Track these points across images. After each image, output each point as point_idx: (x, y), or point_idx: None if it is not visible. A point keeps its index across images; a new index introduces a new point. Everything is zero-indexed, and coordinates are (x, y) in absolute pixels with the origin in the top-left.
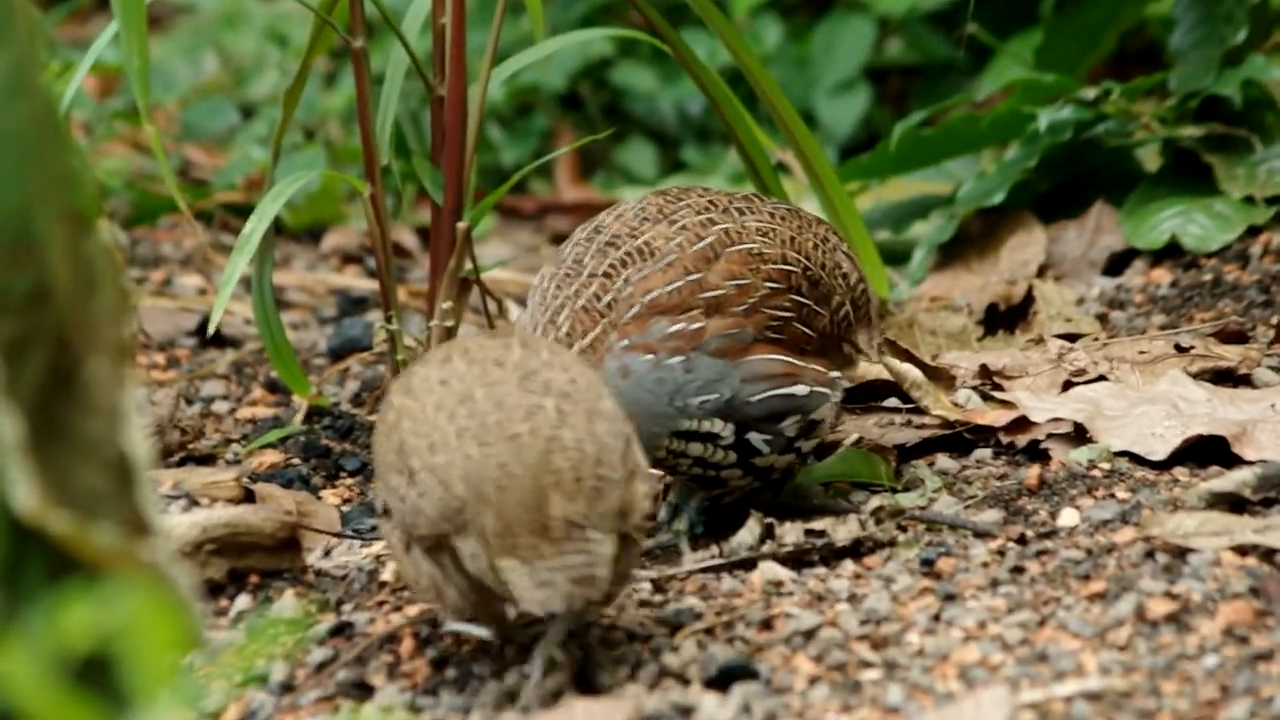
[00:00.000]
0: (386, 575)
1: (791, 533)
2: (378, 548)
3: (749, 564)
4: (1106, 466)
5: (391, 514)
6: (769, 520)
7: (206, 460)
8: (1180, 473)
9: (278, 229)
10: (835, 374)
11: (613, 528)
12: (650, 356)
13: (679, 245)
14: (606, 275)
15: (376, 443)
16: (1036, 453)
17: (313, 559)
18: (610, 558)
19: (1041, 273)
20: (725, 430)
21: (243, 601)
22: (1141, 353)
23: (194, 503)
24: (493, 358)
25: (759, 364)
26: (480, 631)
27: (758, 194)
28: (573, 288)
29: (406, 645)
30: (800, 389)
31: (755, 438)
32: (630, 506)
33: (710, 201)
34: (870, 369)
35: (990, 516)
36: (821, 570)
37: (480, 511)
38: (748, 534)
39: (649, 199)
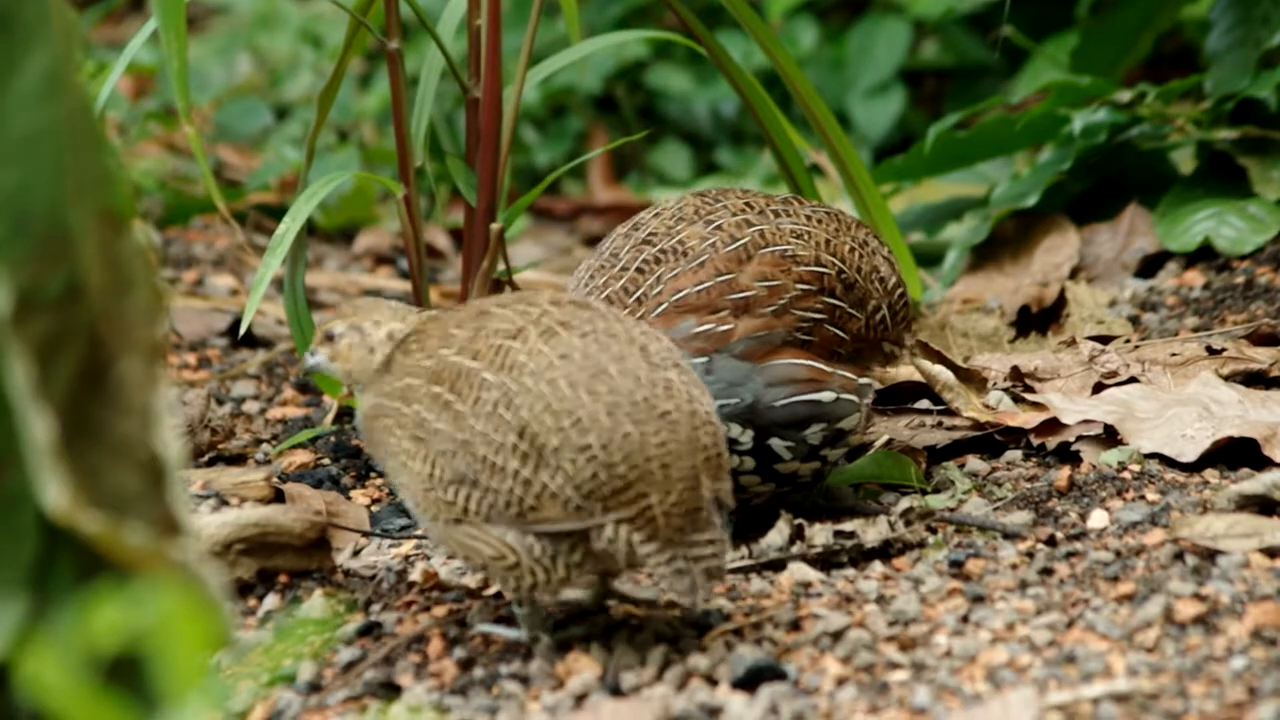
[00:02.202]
0: (415, 575)
1: (821, 534)
2: (407, 548)
3: (778, 565)
4: (1136, 468)
5: (470, 490)
6: (798, 521)
7: (237, 460)
8: (1210, 475)
9: (311, 230)
10: (865, 380)
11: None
12: None
13: (713, 246)
14: (640, 270)
15: (457, 422)
16: (1067, 454)
17: (342, 559)
18: (728, 546)
19: (1074, 275)
20: (744, 436)
21: (271, 601)
22: (1173, 355)
23: (224, 502)
24: (599, 329)
25: (783, 368)
26: (509, 633)
27: (799, 197)
28: (604, 278)
29: (434, 645)
30: (826, 395)
31: (777, 444)
32: None
33: (747, 203)
34: (902, 371)
35: (1020, 518)
36: (850, 571)
37: (647, 492)
38: (777, 535)
39: (688, 199)
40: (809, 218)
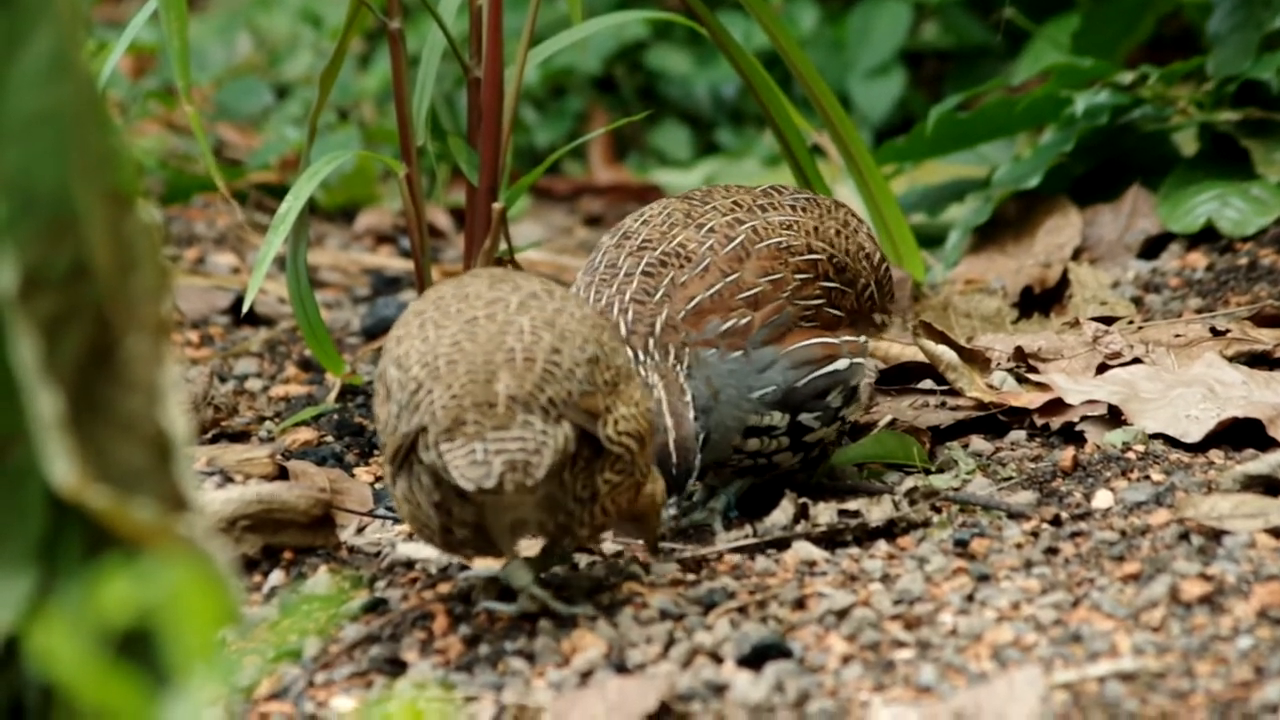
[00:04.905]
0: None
1: (825, 513)
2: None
3: (783, 544)
4: (1141, 449)
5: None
6: (803, 500)
7: (240, 437)
8: (1215, 455)
9: (312, 209)
10: (863, 339)
11: (570, 420)
12: (714, 350)
13: (710, 249)
14: (646, 274)
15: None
16: (1071, 435)
17: (346, 536)
18: (555, 449)
19: (1077, 256)
20: (782, 420)
21: (276, 578)
22: (1177, 336)
23: (228, 479)
24: (482, 274)
25: (802, 350)
26: (510, 608)
27: (778, 186)
28: (614, 287)
29: (439, 622)
30: (841, 364)
31: (806, 417)
32: (598, 410)
33: (735, 202)
34: (905, 351)
35: (1024, 498)
36: (855, 550)
37: (431, 388)
38: (782, 514)
39: (673, 204)
40: (793, 207)
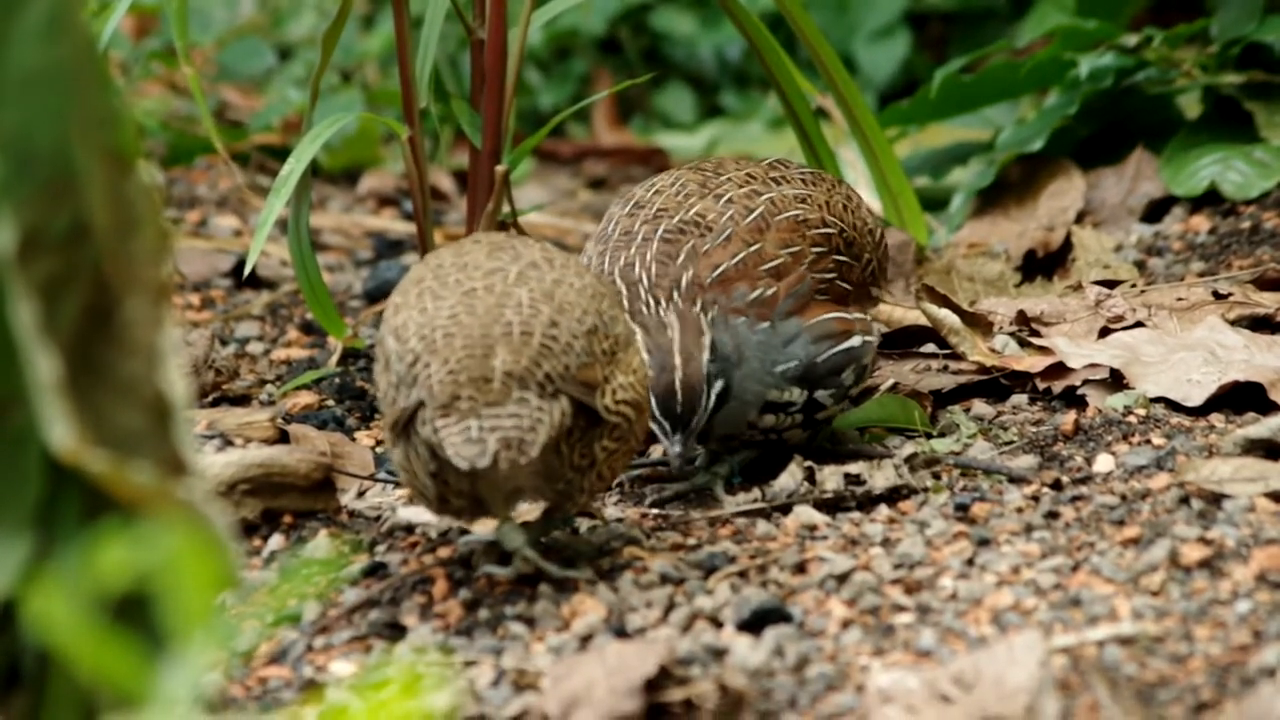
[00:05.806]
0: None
1: (832, 479)
2: None
3: (784, 508)
4: (1142, 413)
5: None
6: (808, 464)
7: (241, 401)
8: (1216, 419)
9: (314, 171)
10: (869, 317)
11: (567, 394)
12: (744, 319)
13: (731, 219)
14: (666, 240)
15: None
16: (1073, 399)
17: (346, 500)
18: (551, 425)
19: (1080, 219)
20: (799, 397)
21: (276, 541)
22: (1179, 299)
23: (229, 443)
24: (482, 241)
25: (821, 324)
26: (505, 571)
27: (782, 160)
28: (633, 249)
29: (439, 586)
30: (855, 340)
31: (821, 394)
32: (596, 381)
33: (748, 174)
34: (908, 314)
35: (1025, 462)
36: (856, 514)
37: (429, 362)
38: (790, 479)
39: (684, 174)
40: (804, 181)
